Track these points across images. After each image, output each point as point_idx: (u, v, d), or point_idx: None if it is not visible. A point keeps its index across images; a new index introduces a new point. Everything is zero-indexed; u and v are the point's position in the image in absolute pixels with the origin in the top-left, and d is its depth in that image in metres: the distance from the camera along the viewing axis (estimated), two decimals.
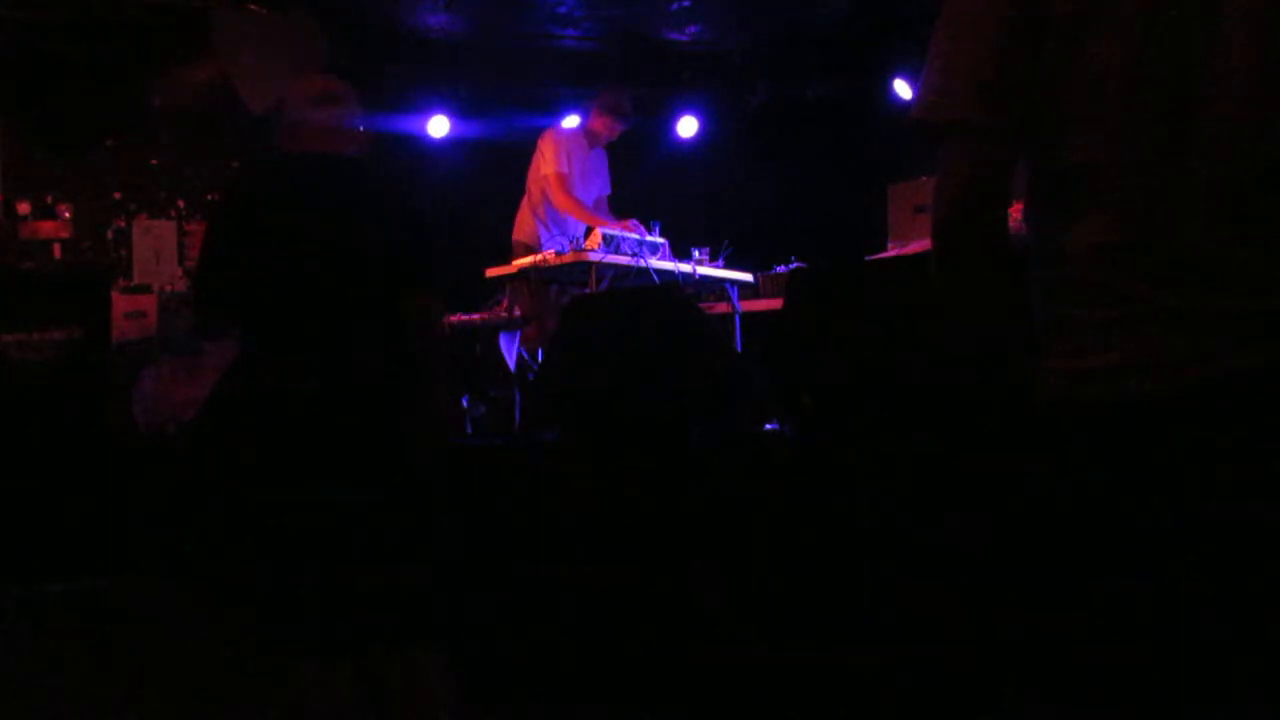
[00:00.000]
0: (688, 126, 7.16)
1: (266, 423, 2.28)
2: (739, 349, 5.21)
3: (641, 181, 6.47)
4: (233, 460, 2.30)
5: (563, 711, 3.16)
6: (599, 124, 5.42)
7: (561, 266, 4.82)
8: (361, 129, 2.55)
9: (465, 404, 4.34)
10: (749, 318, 5.35)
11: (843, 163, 6.68)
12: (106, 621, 3.99)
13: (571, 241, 4.85)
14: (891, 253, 4.74)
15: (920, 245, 4.32)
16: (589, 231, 5.15)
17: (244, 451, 2.29)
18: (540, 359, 4.80)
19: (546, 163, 5.26)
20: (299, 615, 2.22)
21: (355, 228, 2.36)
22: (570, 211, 5.20)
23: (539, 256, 4.91)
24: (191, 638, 3.48)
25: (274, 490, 2.24)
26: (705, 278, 5.24)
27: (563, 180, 5.21)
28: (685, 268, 5.10)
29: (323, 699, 2.22)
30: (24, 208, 6.47)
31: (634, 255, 4.87)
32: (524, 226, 5.37)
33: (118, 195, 6.68)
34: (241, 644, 2.38)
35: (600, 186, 5.55)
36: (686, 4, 6.03)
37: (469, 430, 4.31)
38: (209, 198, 6.82)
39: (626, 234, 4.96)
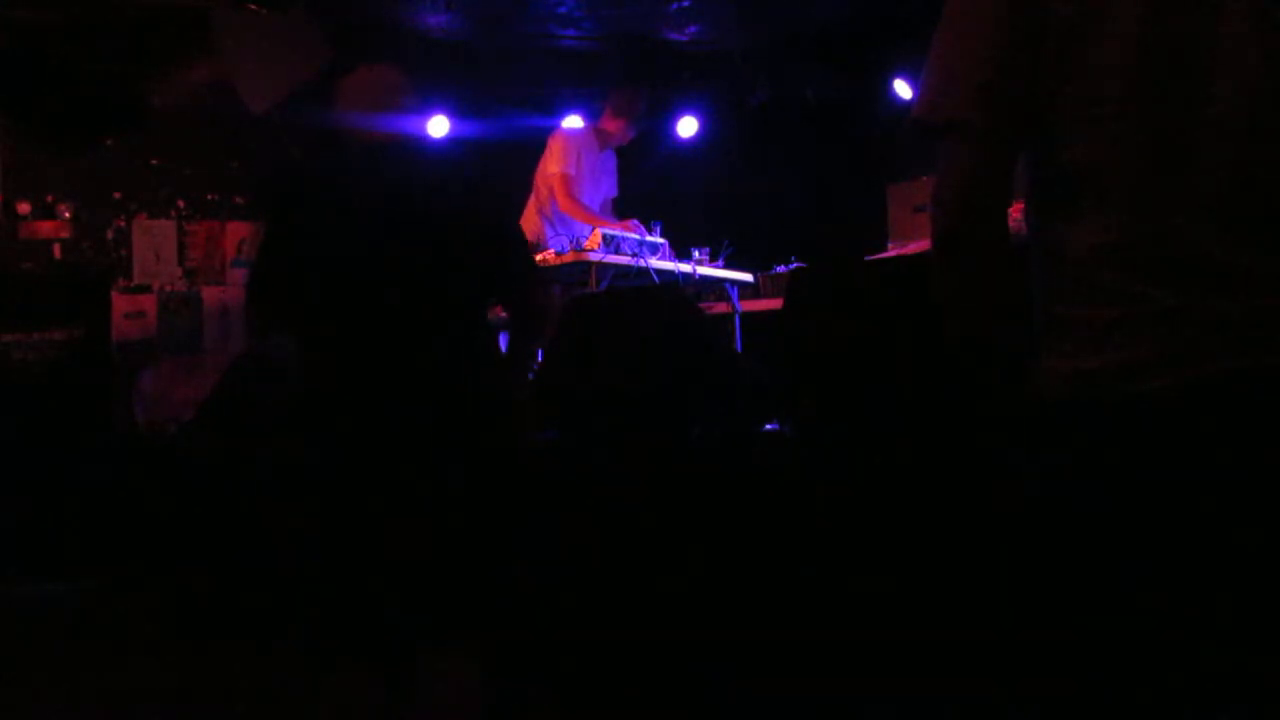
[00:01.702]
0: (688, 126, 7.16)
1: (316, 420, 2.21)
2: (739, 349, 5.21)
3: (641, 181, 6.47)
4: (273, 456, 2.26)
5: (563, 712, 3.16)
6: (613, 125, 5.42)
7: (561, 266, 4.82)
8: (424, 127, 2.45)
9: None
10: (749, 318, 5.35)
11: (843, 163, 6.68)
12: (105, 622, 3.99)
13: (572, 241, 4.85)
14: (891, 253, 4.74)
15: (920, 245, 4.33)
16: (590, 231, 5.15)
17: (287, 448, 2.24)
18: (540, 359, 4.80)
19: (554, 162, 5.26)
20: (327, 615, 2.20)
21: (435, 227, 2.27)
22: (571, 213, 5.20)
23: (539, 256, 4.91)
24: (196, 639, 3.48)
25: (335, 492, 2.19)
26: (705, 278, 5.24)
27: (567, 181, 5.21)
28: (685, 268, 5.10)
29: (348, 701, 2.21)
30: (24, 208, 6.47)
31: (634, 255, 4.87)
32: (530, 225, 5.36)
33: (118, 195, 6.68)
34: (261, 646, 2.37)
35: (608, 188, 5.56)
36: (686, 4, 6.03)
37: None
38: (209, 197, 6.82)
39: (626, 234, 4.96)
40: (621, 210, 5.57)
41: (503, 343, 4.83)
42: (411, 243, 2.23)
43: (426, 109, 2.57)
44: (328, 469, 2.19)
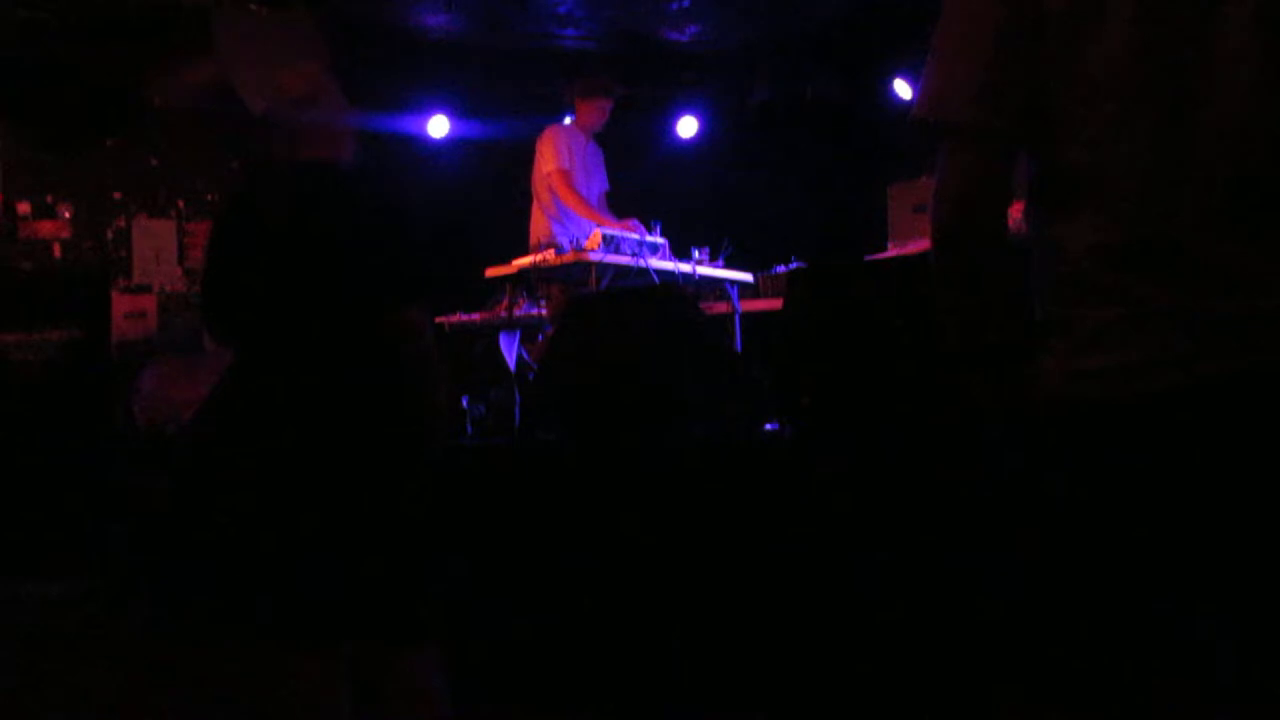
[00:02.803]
0: (688, 126, 7.16)
1: (266, 427, 2.28)
2: (739, 349, 5.21)
3: (641, 181, 6.47)
4: (232, 464, 2.30)
5: (559, 712, 3.16)
6: (587, 108, 5.41)
7: (561, 266, 4.82)
8: (345, 130, 2.53)
9: (465, 404, 4.34)
10: (749, 318, 5.35)
11: (843, 163, 6.68)
12: (104, 620, 3.99)
13: (572, 241, 4.85)
14: (891, 253, 4.74)
15: (920, 245, 4.32)
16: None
17: (243, 456, 2.29)
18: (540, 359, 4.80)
19: (547, 160, 5.25)
20: (296, 611, 2.22)
21: (339, 239, 2.36)
22: (574, 207, 5.20)
23: (539, 256, 4.91)
24: (185, 636, 3.48)
25: (275, 492, 2.25)
26: (705, 278, 5.24)
27: (565, 176, 5.20)
28: (685, 268, 5.10)
29: (317, 697, 2.22)
30: (24, 208, 6.48)
31: (634, 255, 4.87)
32: (538, 228, 5.35)
33: (118, 195, 6.68)
34: (236, 641, 2.38)
35: (601, 182, 5.56)
36: (686, 4, 6.03)
37: (469, 430, 4.31)
38: (209, 198, 6.82)
39: (626, 234, 4.96)
40: (617, 207, 5.57)
41: (503, 343, 4.86)
42: (317, 259, 2.33)
43: (365, 116, 2.64)
44: (274, 468, 2.26)
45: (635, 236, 4.99)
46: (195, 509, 2.37)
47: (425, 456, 2.40)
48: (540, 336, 4.96)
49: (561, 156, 5.22)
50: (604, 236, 4.82)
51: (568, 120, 5.64)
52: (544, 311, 4.86)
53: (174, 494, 2.55)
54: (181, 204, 6.80)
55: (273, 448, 2.26)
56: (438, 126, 6.73)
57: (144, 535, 4.16)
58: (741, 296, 5.42)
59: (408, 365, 2.38)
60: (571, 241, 4.85)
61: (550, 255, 4.84)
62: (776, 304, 4.82)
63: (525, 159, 5.47)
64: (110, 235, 6.67)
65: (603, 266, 4.80)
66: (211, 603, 2.35)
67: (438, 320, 4.75)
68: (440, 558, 2.40)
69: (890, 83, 6.36)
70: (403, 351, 2.38)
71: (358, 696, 2.25)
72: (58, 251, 6.54)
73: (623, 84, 5.64)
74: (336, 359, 2.31)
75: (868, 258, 4.58)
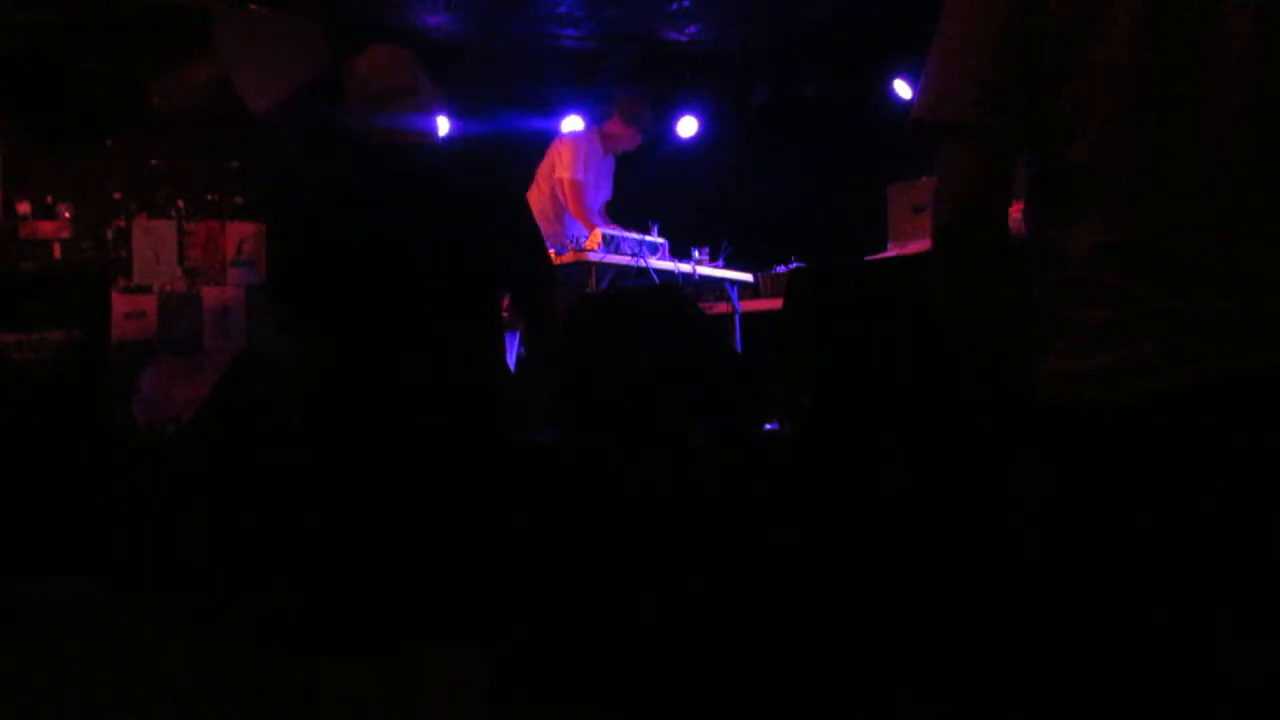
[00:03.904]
0: (688, 126, 7.16)
1: (325, 418, 2.22)
2: (739, 349, 5.21)
3: (641, 181, 6.47)
4: (277, 454, 2.27)
5: (567, 712, 3.16)
6: (618, 130, 5.43)
7: (561, 266, 4.82)
8: (435, 121, 2.43)
9: None
10: (749, 318, 5.35)
11: (843, 163, 6.68)
12: (106, 621, 3.99)
13: (572, 241, 4.86)
14: (891, 253, 4.74)
15: (920, 245, 4.33)
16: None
17: (292, 446, 2.25)
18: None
19: (564, 167, 5.27)
20: (327, 614, 2.20)
21: (447, 224, 2.27)
22: (579, 218, 5.23)
23: None
24: (199, 638, 3.48)
25: (320, 488, 2.21)
26: (705, 278, 5.24)
27: (579, 188, 5.23)
28: (685, 268, 5.10)
29: (347, 699, 2.22)
30: (24, 208, 6.47)
31: (634, 255, 4.87)
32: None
33: (118, 195, 6.68)
34: (261, 644, 2.37)
35: (606, 191, 5.58)
36: (686, 4, 6.03)
37: None
38: (209, 198, 6.82)
39: (626, 234, 4.97)
40: (620, 210, 5.57)
41: (508, 343, 4.86)
42: (420, 239, 2.24)
43: (438, 90, 2.53)
44: (338, 464, 2.20)
45: (635, 236, 5.00)
46: (219, 506, 2.34)
47: (492, 456, 2.33)
48: (519, 334, 4.95)
49: (578, 166, 5.25)
50: (604, 236, 4.82)
51: (583, 124, 5.66)
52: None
53: (188, 492, 2.52)
54: (181, 204, 6.79)
55: (333, 442, 2.21)
56: (438, 126, 6.72)
57: (144, 535, 4.15)
58: (741, 296, 5.42)
59: (483, 361, 2.31)
60: (571, 241, 4.86)
61: (550, 255, 4.84)
62: (776, 304, 4.82)
63: (525, 159, 5.47)
64: (110, 235, 6.67)
65: (603, 266, 4.81)
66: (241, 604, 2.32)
67: None
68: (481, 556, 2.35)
69: (890, 83, 6.36)
70: (479, 348, 2.30)
71: (393, 696, 2.23)
72: (58, 251, 6.54)
73: (657, 131, 5.66)
74: (407, 350, 2.23)
75: (868, 258, 4.58)
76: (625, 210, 5.49)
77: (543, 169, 5.40)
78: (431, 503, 2.21)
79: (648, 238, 5.10)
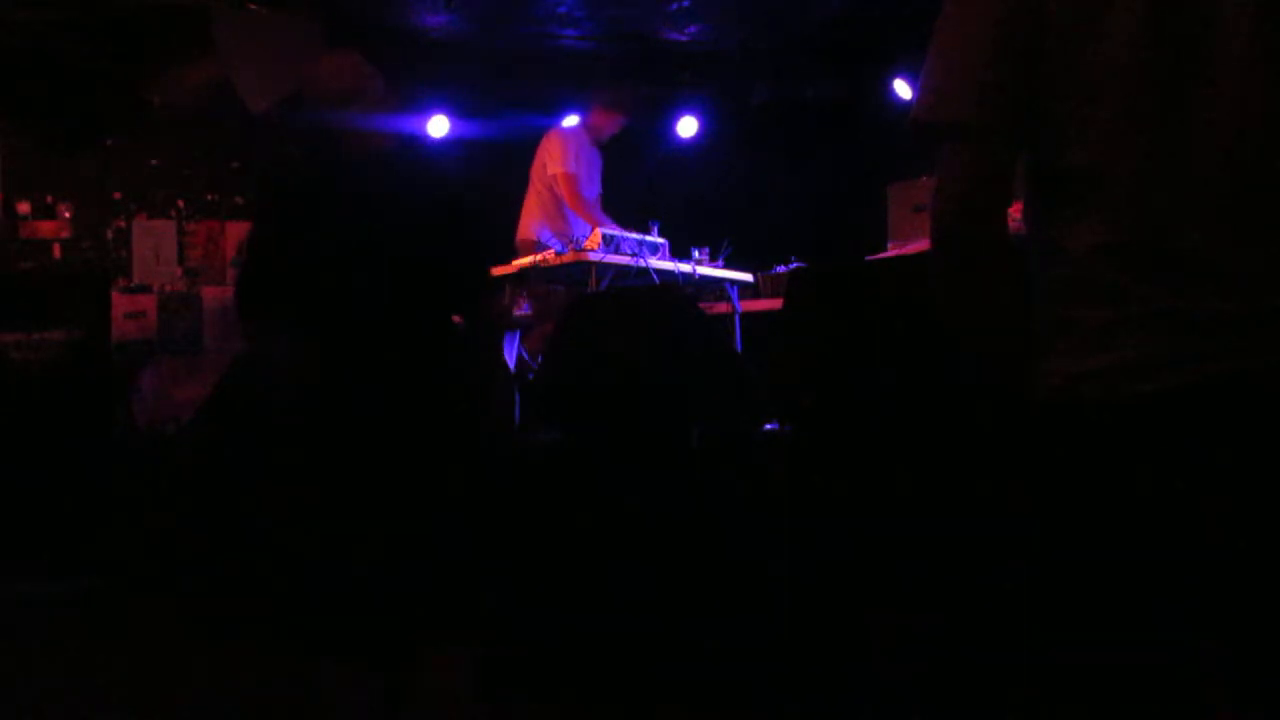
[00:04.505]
0: (688, 126, 7.16)
1: (311, 419, 2.25)
2: (739, 349, 5.21)
3: (641, 181, 6.47)
4: (271, 456, 2.28)
5: (565, 710, 3.16)
6: (601, 119, 5.42)
7: (561, 266, 4.82)
8: (388, 125, 2.48)
9: None
10: (749, 318, 5.35)
11: (843, 163, 6.68)
12: (106, 621, 3.99)
13: (572, 241, 4.86)
14: (891, 253, 4.74)
15: (920, 245, 4.32)
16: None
17: (283, 447, 2.27)
18: (540, 359, 4.80)
19: (555, 162, 5.26)
20: (325, 614, 2.20)
21: (405, 229, 2.31)
22: (579, 211, 5.21)
23: (539, 256, 4.91)
24: (197, 637, 3.48)
25: (306, 491, 2.23)
26: (705, 278, 5.24)
27: (573, 180, 5.22)
28: (685, 268, 5.10)
29: (342, 698, 2.22)
30: (24, 208, 6.48)
31: (634, 255, 4.87)
32: (530, 226, 5.36)
33: (118, 195, 6.68)
34: (258, 643, 2.37)
35: (596, 187, 5.57)
36: (686, 4, 6.03)
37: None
38: (209, 197, 6.82)
39: (626, 234, 4.97)
40: (615, 207, 5.57)
41: (505, 342, 4.86)
42: (379, 247, 2.29)
43: (399, 94, 2.56)
44: (310, 465, 2.23)
45: (635, 236, 5.00)
46: (219, 507, 2.36)
47: (472, 455, 2.36)
48: (519, 334, 4.96)
49: (569, 159, 5.24)
50: (604, 236, 4.82)
51: (573, 120, 5.65)
52: (516, 311, 4.86)
53: (189, 492, 2.54)
54: (181, 204, 6.80)
55: (308, 444, 2.23)
56: (438, 126, 6.73)
57: (145, 535, 4.16)
58: (741, 296, 5.42)
59: (457, 360, 2.35)
60: (571, 241, 4.85)
61: (550, 255, 4.84)
62: (776, 304, 4.82)
63: (525, 159, 5.47)
64: (110, 235, 6.67)
65: (603, 266, 4.80)
66: (247, 605, 2.33)
67: None
68: (474, 557, 2.38)
69: (890, 83, 6.37)
70: (453, 345, 2.34)
71: (387, 696, 2.24)
72: (58, 251, 6.54)
73: (646, 110, 5.65)
74: (376, 353, 2.27)
75: (868, 258, 4.58)
76: (625, 210, 5.49)
77: (534, 168, 5.39)
78: (407, 500, 2.24)
79: (648, 238, 5.10)
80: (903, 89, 6.28)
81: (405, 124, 2.50)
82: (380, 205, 2.35)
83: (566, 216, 5.27)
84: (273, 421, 2.29)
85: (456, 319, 2.45)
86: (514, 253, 5.25)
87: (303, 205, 2.36)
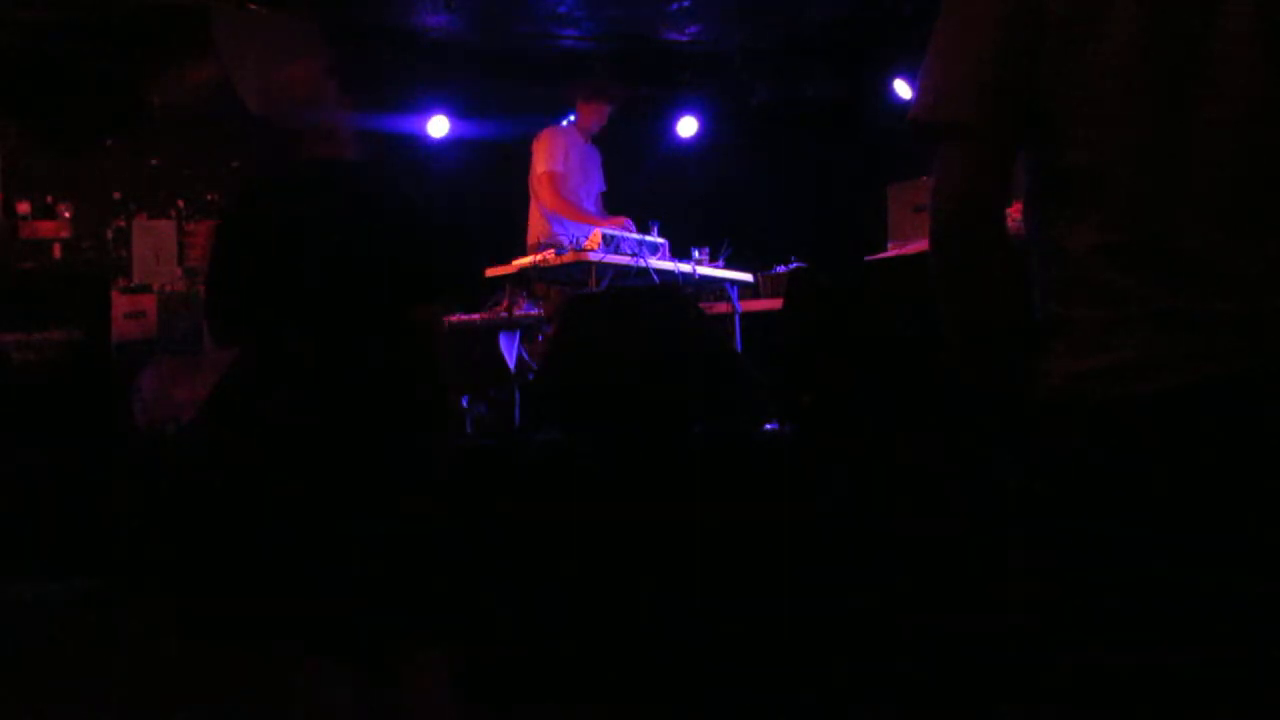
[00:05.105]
0: (688, 126, 7.16)
1: (274, 427, 2.28)
2: (739, 349, 5.21)
3: (641, 181, 6.47)
4: (238, 464, 2.30)
5: (563, 711, 3.16)
6: (587, 112, 5.42)
7: (561, 266, 4.82)
8: (350, 129, 2.52)
9: (465, 404, 4.35)
10: (749, 318, 5.35)
11: (843, 163, 6.68)
12: (106, 621, 3.99)
13: (572, 241, 4.86)
14: (891, 253, 4.74)
15: (920, 245, 4.32)
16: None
17: (250, 455, 2.29)
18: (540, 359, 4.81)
19: (540, 161, 5.27)
20: (307, 616, 2.21)
21: (356, 237, 2.36)
22: (560, 210, 5.19)
23: (539, 256, 4.91)
24: (189, 638, 3.48)
25: (283, 494, 2.24)
26: (705, 278, 5.24)
27: (554, 179, 5.21)
28: (685, 268, 5.10)
29: (325, 699, 2.22)
30: (24, 208, 6.47)
31: (634, 255, 4.87)
32: (536, 228, 5.36)
33: (118, 195, 6.68)
34: (245, 645, 2.38)
35: (598, 183, 5.57)
36: (686, 4, 6.03)
37: (469, 430, 4.32)
38: (209, 198, 6.82)
39: (626, 234, 4.97)
40: (615, 207, 5.57)
41: (503, 343, 4.86)
42: (328, 255, 2.32)
43: (345, 101, 2.61)
44: (247, 471, 2.26)
45: (635, 236, 4.99)
46: (201, 508, 2.38)
47: (433, 457, 2.39)
48: (540, 337, 4.96)
49: (555, 159, 5.23)
50: (604, 236, 4.82)
51: (567, 121, 5.65)
52: (541, 311, 4.87)
53: (176, 493, 2.56)
54: (181, 204, 6.79)
55: (276, 449, 2.26)
56: (437, 126, 6.73)
57: (144, 535, 4.16)
58: (741, 296, 5.42)
59: (414, 365, 2.38)
60: (571, 241, 4.85)
61: (550, 255, 4.84)
62: (776, 304, 4.82)
63: (525, 158, 5.47)
64: (110, 235, 6.67)
65: (603, 266, 4.80)
66: (224, 606, 2.35)
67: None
68: (448, 558, 2.40)
69: (890, 83, 6.36)
70: (409, 350, 2.38)
71: (365, 697, 2.25)
72: (58, 251, 6.54)
73: (627, 89, 5.65)
74: (341, 358, 2.30)
75: (868, 258, 4.58)
76: (625, 210, 5.48)
77: (530, 175, 5.39)
78: (377, 498, 2.26)
79: (648, 238, 5.09)
80: (903, 89, 6.28)
81: (392, 125, 2.54)
82: (340, 214, 2.39)
83: (566, 221, 5.27)
84: (248, 424, 2.32)
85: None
86: (522, 254, 5.25)
87: (258, 217, 2.42)
